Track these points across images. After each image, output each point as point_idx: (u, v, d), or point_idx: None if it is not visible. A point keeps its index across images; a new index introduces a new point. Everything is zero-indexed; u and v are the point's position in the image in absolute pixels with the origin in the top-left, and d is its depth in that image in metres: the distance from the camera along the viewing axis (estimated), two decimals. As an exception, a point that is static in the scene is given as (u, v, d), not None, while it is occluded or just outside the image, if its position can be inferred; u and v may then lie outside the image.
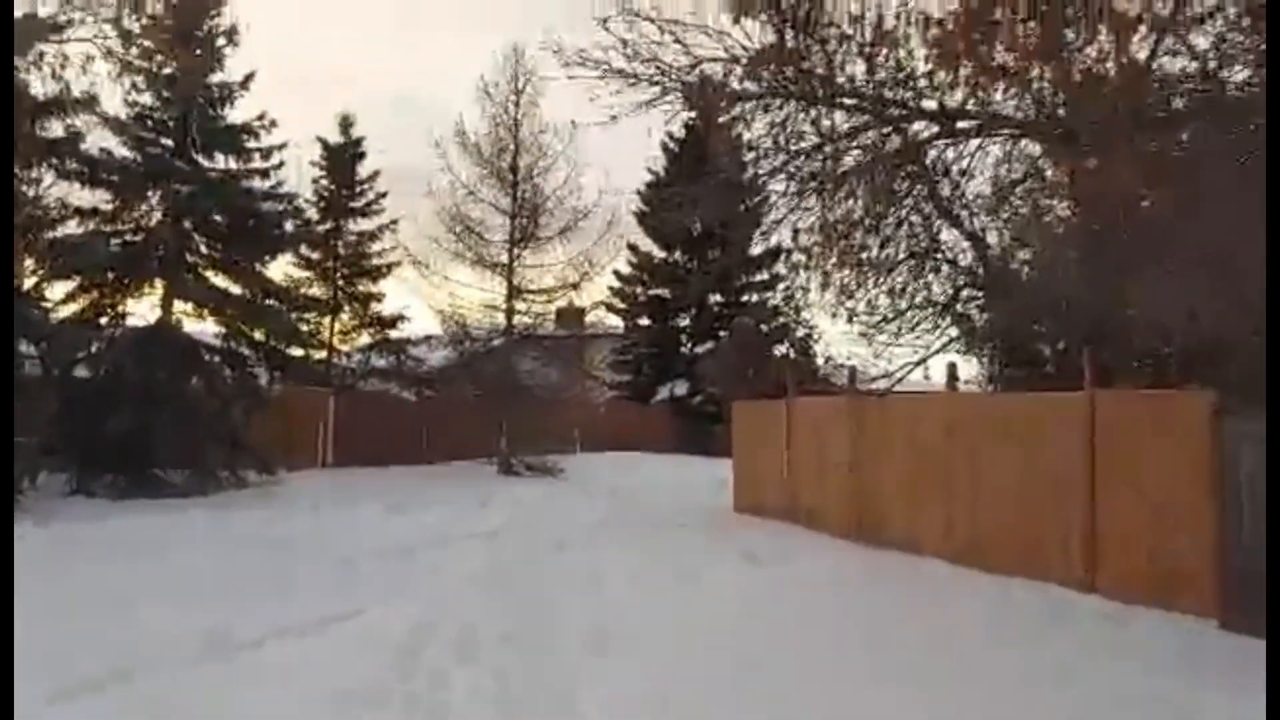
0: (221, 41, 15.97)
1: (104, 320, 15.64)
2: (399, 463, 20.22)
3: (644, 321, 32.23)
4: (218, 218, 16.14)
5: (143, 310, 16.09)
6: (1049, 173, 11.58)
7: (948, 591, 7.73)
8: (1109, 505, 7.42)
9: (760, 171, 10.78)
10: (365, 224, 22.68)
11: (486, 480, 19.27)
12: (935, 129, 9.93)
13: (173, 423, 14.54)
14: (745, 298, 30.98)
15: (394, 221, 22.39)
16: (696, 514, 13.58)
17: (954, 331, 13.93)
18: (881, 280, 12.85)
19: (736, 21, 9.38)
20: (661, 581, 8.15)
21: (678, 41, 8.40)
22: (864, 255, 12.29)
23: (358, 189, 22.60)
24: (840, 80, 9.28)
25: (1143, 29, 9.11)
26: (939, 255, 12.38)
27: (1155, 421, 7.23)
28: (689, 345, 31.30)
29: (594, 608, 7.04)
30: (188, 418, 14.92)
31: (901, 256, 12.12)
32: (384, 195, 22.61)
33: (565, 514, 13.72)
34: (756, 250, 29.90)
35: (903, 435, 10.03)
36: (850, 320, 13.80)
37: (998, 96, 9.38)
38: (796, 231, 12.13)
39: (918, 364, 11.46)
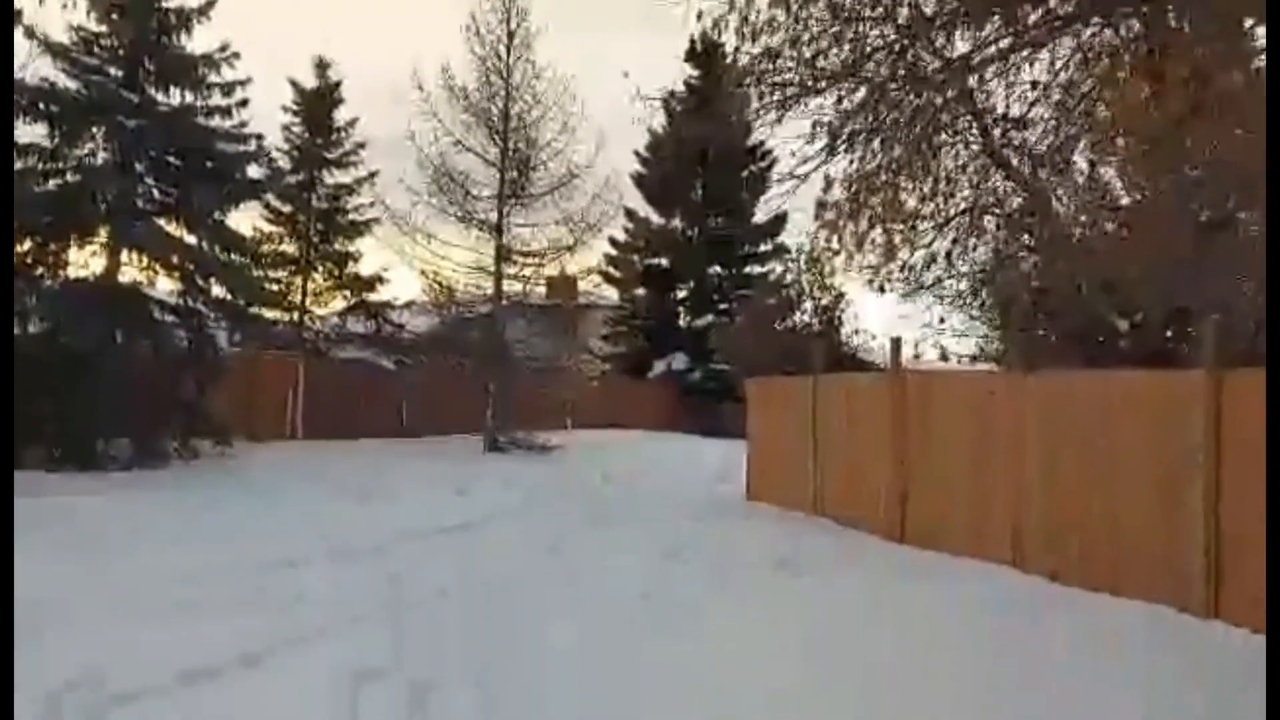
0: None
1: (41, 273, 13.89)
2: (375, 436, 18.59)
3: (640, 292, 30.44)
4: (171, 159, 14.36)
5: (87, 263, 14.39)
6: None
7: (1041, 618, 6.07)
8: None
9: (783, 96, 9.08)
10: (342, 176, 20.74)
11: (471, 458, 17.62)
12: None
13: (115, 388, 12.89)
14: (749, 269, 29.35)
15: (373, 174, 20.49)
16: (706, 504, 11.98)
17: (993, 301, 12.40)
18: (921, 239, 11.30)
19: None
20: (686, 596, 6.53)
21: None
22: (905, 206, 10.69)
23: (334, 138, 20.69)
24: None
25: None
26: (995, 210, 10.73)
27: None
28: (688, 318, 29.65)
29: (599, 643, 5.38)
30: (133, 383, 13.24)
31: (954, 211, 10.48)
32: (363, 146, 20.69)
33: (559, 502, 12.10)
34: (761, 218, 28.34)
35: (966, 423, 8.37)
36: (882, 290, 12.27)
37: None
38: (830, 182, 10.51)
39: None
